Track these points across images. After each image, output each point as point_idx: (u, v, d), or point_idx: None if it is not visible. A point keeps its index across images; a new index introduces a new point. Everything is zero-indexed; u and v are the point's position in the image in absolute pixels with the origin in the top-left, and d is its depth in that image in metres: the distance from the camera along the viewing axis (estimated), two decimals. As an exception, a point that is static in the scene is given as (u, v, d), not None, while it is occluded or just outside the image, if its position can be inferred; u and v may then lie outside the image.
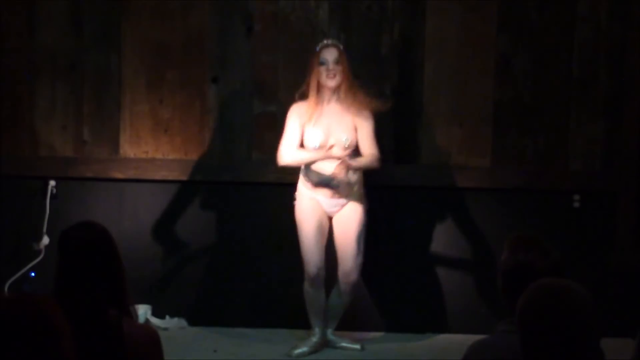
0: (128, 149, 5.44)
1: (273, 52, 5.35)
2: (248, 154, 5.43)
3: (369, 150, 4.92)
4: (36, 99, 5.43)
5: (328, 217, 4.96)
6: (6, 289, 5.35)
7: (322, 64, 4.82)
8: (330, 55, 4.82)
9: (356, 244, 4.94)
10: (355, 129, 4.90)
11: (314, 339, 5.02)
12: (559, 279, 2.25)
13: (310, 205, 4.91)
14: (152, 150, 5.44)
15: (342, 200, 4.92)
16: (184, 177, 5.43)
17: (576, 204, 5.36)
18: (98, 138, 5.44)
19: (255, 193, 5.42)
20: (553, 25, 5.33)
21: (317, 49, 4.87)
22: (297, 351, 4.98)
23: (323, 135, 4.85)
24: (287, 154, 4.89)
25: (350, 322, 5.36)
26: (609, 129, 5.35)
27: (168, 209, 5.47)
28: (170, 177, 5.43)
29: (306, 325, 5.21)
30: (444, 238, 5.42)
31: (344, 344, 5.08)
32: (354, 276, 4.98)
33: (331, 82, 4.83)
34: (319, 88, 4.85)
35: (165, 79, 5.41)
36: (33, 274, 5.36)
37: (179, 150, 5.44)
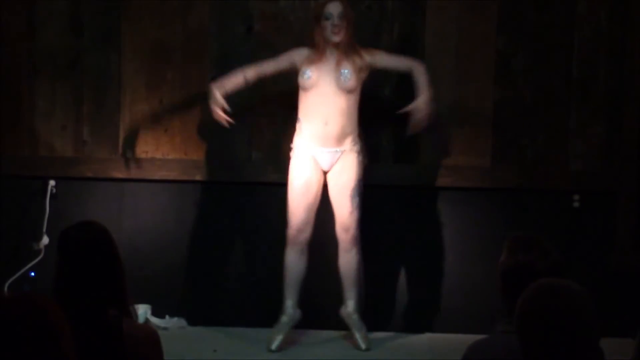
0: (128, 149, 5.43)
1: (273, 52, 5.34)
2: (248, 153, 5.43)
3: (406, 62, 4.93)
4: (36, 98, 5.43)
5: (323, 172, 4.93)
6: (6, 288, 5.35)
7: (327, 18, 4.80)
8: (335, 9, 4.80)
9: (352, 197, 4.92)
10: (367, 69, 4.89)
11: (285, 318, 4.97)
12: (558, 279, 2.25)
13: (301, 163, 4.89)
14: (151, 150, 5.44)
15: (339, 149, 4.89)
16: (183, 177, 5.43)
17: (576, 204, 5.36)
18: (98, 138, 5.44)
19: (255, 193, 5.42)
20: (553, 25, 5.33)
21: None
22: (275, 344, 4.93)
23: (316, 70, 4.82)
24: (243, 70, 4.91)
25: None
26: (609, 129, 5.35)
27: (168, 209, 5.47)
28: (169, 177, 5.43)
29: (307, 325, 5.21)
30: (443, 238, 5.42)
31: (356, 333, 4.98)
32: (352, 231, 4.95)
33: (336, 38, 4.81)
34: (323, 41, 4.83)
35: (165, 78, 5.41)
36: (33, 274, 5.36)
37: (179, 150, 5.44)
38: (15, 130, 5.44)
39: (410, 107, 4.86)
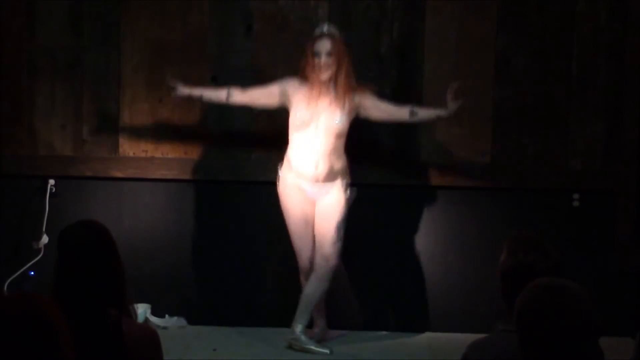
0: (127, 148, 5.44)
1: (273, 52, 5.34)
2: (247, 153, 5.43)
3: (400, 107, 4.93)
4: (36, 98, 5.43)
5: (311, 201, 4.94)
6: (5, 288, 5.35)
7: (315, 55, 4.79)
8: (323, 47, 4.77)
9: (336, 229, 4.93)
10: (354, 110, 4.87)
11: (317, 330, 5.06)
12: (557, 279, 2.25)
13: (293, 194, 4.90)
14: (151, 149, 5.44)
15: (326, 187, 4.90)
16: (183, 176, 5.43)
17: (576, 203, 5.36)
18: (97, 137, 5.44)
19: (255, 192, 5.42)
20: (553, 24, 5.33)
21: (314, 34, 4.83)
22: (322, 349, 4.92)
23: (309, 113, 4.81)
24: (232, 91, 4.90)
25: (348, 321, 5.37)
26: (609, 128, 5.35)
27: (167, 208, 5.47)
28: (169, 176, 5.43)
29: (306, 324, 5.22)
30: (442, 237, 5.42)
31: (312, 347, 4.93)
32: (332, 261, 4.95)
33: (323, 76, 4.79)
34: (315, 77, 4.81)
35: (165, 78, 5.40)
36: (32, 273, 5.36)
37: (179, 149, 5.44)
38: (15, 129, 5.44)
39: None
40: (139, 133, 5.43)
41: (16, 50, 5.41)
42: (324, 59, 4.76)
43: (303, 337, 4.94)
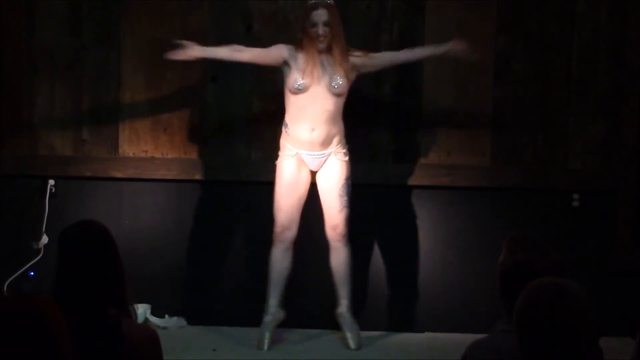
0: (127, 148, 5.44)
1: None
2: (247, 153, 5.43)
3: (399, 52, 4.97)
4: (35, 97, 5.43)
5: (311, 172, 4.95)
6: (5, 288, 5.35)
7: (312, 25, 4.80)
8: (319, 17, 4.78)
9: (340, 196, 4.95)
10: (353, 72, 4.88)
11: (269, 317, 5.00)
12: (556, 278, 2.25)
13: (290, 166, 4.91)
14: (151, 150, 5.44)
15: (325, 152, 4.90)
16: (183, 176, 5.43)
17: (575, 203, 5.36)
18: (97, 137, 5.44)
19: (255, 192, 5.42)
20: (552, 24, 5.33)
21: (308, 3, 4.83)
22: (265, 344, 4.95)
23: (308, 77, 4.81)
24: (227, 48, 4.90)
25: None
26: (608, 128, 5.35)
27: (167, 208, 5.47)
28: (169, 176, 5.43)
29: (307, 324, 5.22)
30: (442, 237, 5.42)
31: (347, 333, 5.01)
32: (341, 228, 4.97)
33: (321, 45, 4.81)
34: (311, 46, 4.82)
35: (165, 78, 5.41)
36: (32, 273, 5.35)
37: (178, 149, 5.44)
38: (14, 129, 5.44)
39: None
40: (138, 133, 5.43)
41: (16, 50, 5.41)
42: (321, 29, 4.78)
43: (347, 316, 5.02)
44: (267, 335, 4.97)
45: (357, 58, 4.91)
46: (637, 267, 5.33)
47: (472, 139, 5.38)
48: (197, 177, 5.43)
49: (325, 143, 4.89)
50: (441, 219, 5.42)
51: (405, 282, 5.44)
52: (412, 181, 5.40)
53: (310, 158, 4.92)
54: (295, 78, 4.82)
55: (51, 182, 5.42)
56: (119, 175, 5.43)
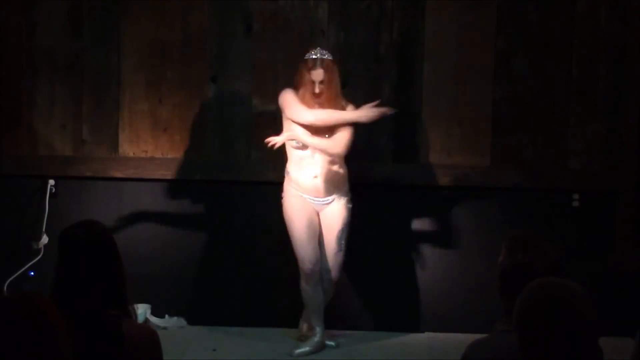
0: (127, 148, 5.44)
1: (272, 51, 5.34)
2: (247, 153, 5.43)
3: (337, 136, 4.90)
4: (35, 98, 5.44)
5: (316, 211, 4.97)
6: (5, 288, 5.35)
7: (312, 81, 4.82)
8: (317, 76, 4.82)
9: (339, 241, 4.99)
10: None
11: (316, 338, 5.01)
12: (556, 278, 2.25)
13: (298, 202, 4.92)
14: (151, 150, 5.44)
15: (329, 198, 4.93)
16: (183, 176, 5.42)
17: (575, 203, 5.36)
18: (97, 137, 5.44)
19: (255, 192, 5.42)
20: (552, 24, 5.33)
21: (307, 57, 4.84)
22: (299, 350, 4.97)
23: (306, 132, 4.85)
24: (313, 112, 4.84)
25: (349, 321, 5.36)
26: (608, 128, 5.35)
27: (167, 208, 5.47)
28: (169, 176, 5.43)
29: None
30: (442, 237, 5.42)
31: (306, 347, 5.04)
32: (335, 273, 5.02)
33: (317, 101, 4.84)
34: (309, 97, 4.84)
35: (165, 78, 5.41)
36: (32, 273, 5.36)
37: (178, 150, 5.44)
38: (14, 129, 5.44)
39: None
40: (138, 133, 5.43)
41: (16, 50, 5.41)
42: (318, 88, 4.82)
43: (319, 337, 5.02)
44: (308, 349, 4.97)
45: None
46: (637, 267, 5.33)
47: (472, 139, 5.38)
48: (197, 177, 5.43)
49: (329, 189, 4.92)
50: (441, 219, 5.42)
51: (406, 282, 5.43)
52: (412, 181, 5.40)
53: (314, 203, 4.94)
54: (294, 128, 4.86)
55: (51, 182, 5.43)
56: (119, 175, 5.43)
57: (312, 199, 4.93)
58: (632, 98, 5.32)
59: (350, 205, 4.99)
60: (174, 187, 5.46)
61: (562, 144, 5.36)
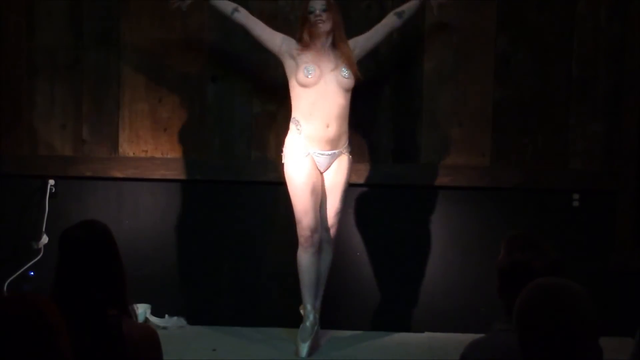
0: (127, 148, 5.44)
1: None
2: (247, 153, 5.43)
3: (386, 20, 4.97)
4: (35, 98, 5.44)
5: (319, 172, 4.89)
6: (5, 288, 5.35)
7: (310, 12, 4.79)
8: (317, 4, 4.79)
9: (342, 198, 4.94)
10: (356, 58, 4.87)
11: (307, 322, 4.87)
12: (556, 278, 2.25)
13: (306, 166, 4.81)
14: (151, 150, 5.44)
15: (336, 152, 4.86)
16: (183, 176, 5.43)
17: (575, 203, 5.36)
18: (97, 137, 5.44)
19: (255, 192, 5.42)
20: (552, 24, 5.33)
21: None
22: (303, 350, 4.83)
23: (317, 69, 4.79)
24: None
25: (348, 320, 5.37)
26: (609, 128, 5.35)
27: (167, 208, 5.47)
28: (169, 176, 5.43)
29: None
30: (442, 237, 5.42)
31: (300, 341, 4.86)
32: (334, 230, 4.97)
33: (321, 27, 4.79)
34: (310, 35, 4.80)
35: (165, 78, 5.41)
36: (32, 273, 5.36)
37: (178, 149, 5.44)
38: (14, 129, 5.44)
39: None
40: (138, 133, 5.43)
41: (16, 50, 5.41)
42: (318, 12, 4.78)
43: (312, 319, 4.87)
44: (308, 342, 4.83)
45: (353, 44, 4.91)
46: (637, 267, 5.33)
47: (472, 139, 5.38)
48: (197, 177, 5.43)
49: (336, 141, 4.84)
50: (441, 219, 5.42)
51: (406, 282, 5.44)
52: (412, 181, 5.40)
53: (321, 158, 4.85)
54: (304, 68, 4.77)
55: (51, 182, 5.43)
56: (118, 175, 5.43)
57: (321, 153, 4.82)
58: (632, 98, 5.32)
59: (351, 157, 4.94)
60: (174, 187, 5.46)
61: (562, 144, 5.37)
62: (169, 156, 5.44)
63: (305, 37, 4.80)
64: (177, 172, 5.42)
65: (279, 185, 5.16)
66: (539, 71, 5.35)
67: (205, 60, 5.39)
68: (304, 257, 4.88)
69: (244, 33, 5.35)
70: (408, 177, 5.40)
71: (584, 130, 5.35)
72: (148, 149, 5.44)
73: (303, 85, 4.80)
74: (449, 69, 5.35)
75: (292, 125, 4.86)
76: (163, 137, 5.44)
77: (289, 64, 4.86)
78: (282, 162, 4.88)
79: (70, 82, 5.43)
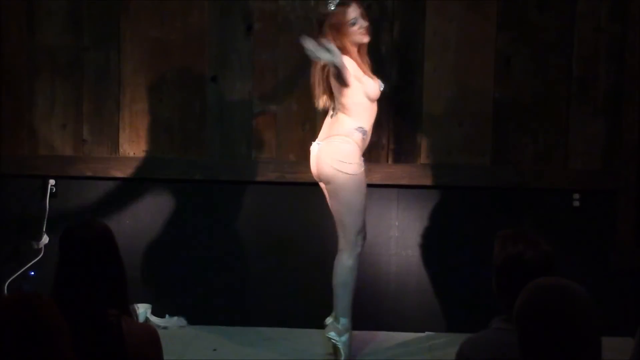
0: (127, 148, 5.44)
1: (273, 51, 5.34)
2: (248, 152, 5.43)
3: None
4: (36, 97, 5.44)
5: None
6: (5, 288, 5.35)
7: (353, 24, 4.66)
8: (359, 13, 4.66)
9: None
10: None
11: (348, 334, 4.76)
12: (556, 278, 2.25)
13: (364, 176, 4.73)
14: (151, 149, 5.44)
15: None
16: (183, 176, 5.43)
17: (576, 203, 5.36)
18: (98, 137, 5.44)
19: (255, 192, 5.42)
20: (553, 23, 5.33)
21: (333, 7, 4.67)
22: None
23: (376, 84, 4.76)
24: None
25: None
26: (609, 127, 5.35)
27: (167, 208, 5.47)
28: (169, 176, 5.43)
29: (306, 324, 5.22)
30: (442, 237, 5.42)
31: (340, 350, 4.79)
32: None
33: (366, 38, 4.71)
34: (359, 48, 4.73)
35: (165, 78, 5.41)
36: (32, 273, 5.36)
37: (179, 149, 5.44)
38: (15, 129, 5.44)
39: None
40: (139, 133, 5.43)
41: (16, 50, 5.41)
42: (364, 22, 4.67)
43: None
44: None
45: None
46: (637, 267, 5.33)
47: (473, 138, 5.38)
48: (197, 177, 5.43)
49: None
50: (441, 219, 5.42)
51: (406, 281, 5.43)
52: (412, 181, 5.39)
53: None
54: (372, 84, 4.70)
55: (52, 181, 5.43)
56: (119, 175, 5.43)
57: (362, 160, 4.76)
58: (632, 98, 5.32)
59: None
60: (175, 187, 5.46)
61: (562, 144, 5.36)
62: (169, 156, 5.44)
63: (353, 48, 4.69)
64: (177, 172, 5.42)
65: (280, 185, 5.17)
66: (539, 71, 5.35)
67: (205, 60, 5.39)
68: (355, 265, 4.75)
69: (244, 32, 5.36)
70: (408, 177, 5.39)
71: (584, 130, 5.35)
72: (148, 148, 5.44)
73: (372, 100, 4.74)
74: (450, 69, 5.35)
75: (356, 134, 4.69)
76: (163, 137, 5.44)
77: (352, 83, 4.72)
78: (338, 169, 4.65)
79: (70, 82, 5.43)
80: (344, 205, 4.70)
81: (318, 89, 4.75)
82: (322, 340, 5.07)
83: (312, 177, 4.86)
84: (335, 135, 4.69)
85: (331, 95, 4.75)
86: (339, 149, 4.66)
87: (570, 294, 2.14)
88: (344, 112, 4.70)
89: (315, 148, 4.76)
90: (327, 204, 4.82)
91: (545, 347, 2.11)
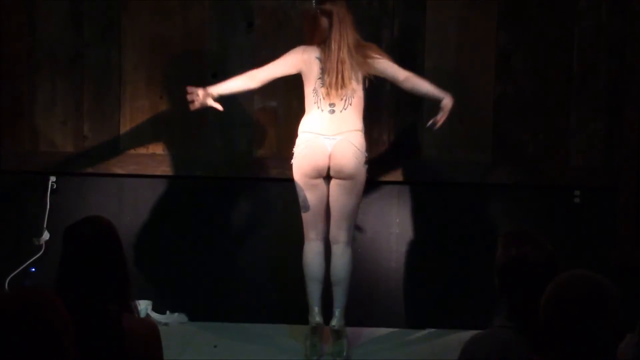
0: (128, 145, 5.44)
1: (273, 48, 5.34)
2: (248, 149, 5.43)
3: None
4: (36, 94, 5.44)
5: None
6: (6, 284, 5.35)
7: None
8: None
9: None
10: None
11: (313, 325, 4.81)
12: (590, 272, 2.25)
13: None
14: (152, 146, 5.44)
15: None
16: (184, 173, 5.43)
17: (576, 200, 5.36)
18: (98, 133, 5.44)
19: (256, 188, 5.43)
20: (553, 20, 5.33)
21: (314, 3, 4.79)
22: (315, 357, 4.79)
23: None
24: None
25: (349, 318, 5.37)
26: (610, 124, 5.35)
27: (168, 205, 5.47)
28: (170, 173, 5.43)
29: (306, 321, 5.22)
30: (443, 234, 5.42)
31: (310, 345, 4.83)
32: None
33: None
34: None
35: (166, 74, 5.41)
36: (33, 270, 5.36)
37: (179, 146, 5.44)
38: (15, 125, 5.44)
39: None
40: (139, 129, 5.43)
41: (17, 46, 5.41)
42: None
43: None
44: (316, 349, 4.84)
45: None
46: (638, 264, 5.33)
47: (473, 135, 5.38)
48: (198, 173, 5.43)
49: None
50: (442, 215, 5.42)
51: (407, 278, 5.44)
52: (412, 178, 5.40)
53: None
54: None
55: (52, 178, 5.43)
56: (120, 171, 5.43)
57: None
58: (633, 95, 5.32)
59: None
60: (175, 184, 5.46)
61: (563, 141, 5.37)
62: (170, 153, 5.44)
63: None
64: (178, 169, 5.42)
65: (281, 182, 5.16)
66: (540, 67, 5.35)
67: (205, 56, 5.39)
68: (351, 256, 4.91)
69: (245, 29, 5.35)
70: (409, 174, 5.39)
71: (585, 127, 5.35)
72: (149, 145, 5.44)
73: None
74: (450, 66, 5.35)
75: (363, 129, 4.80)
76: (164, 134, 5.44)
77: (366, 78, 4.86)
78: (363, 163, 4.74)
79: (71, 79, 5.43)
80: (357, 199, 4.83)
81: (351, 72, 4.74)
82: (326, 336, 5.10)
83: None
84: (354, 131, 4.74)
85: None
86: (363, 144, 4.77)
87: (603, 288, 2.16)
88: (357, 107, 4.77)
89: (326, 143, 4.72)
90: (324, 200, 4.82)
91: (569, 339, 2.11)
